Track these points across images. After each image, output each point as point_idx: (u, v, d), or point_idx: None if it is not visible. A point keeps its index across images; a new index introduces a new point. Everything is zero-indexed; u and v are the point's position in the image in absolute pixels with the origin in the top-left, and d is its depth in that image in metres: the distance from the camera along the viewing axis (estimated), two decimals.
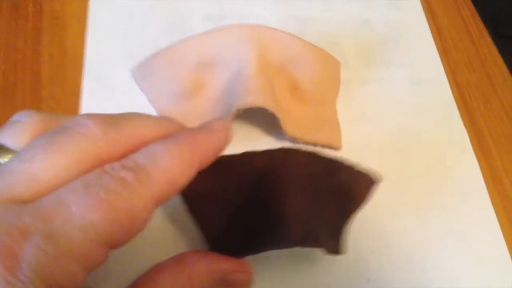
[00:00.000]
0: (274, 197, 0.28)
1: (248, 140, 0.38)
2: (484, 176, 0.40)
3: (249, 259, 0.28)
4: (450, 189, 0.39)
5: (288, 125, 0.37)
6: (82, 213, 0.17)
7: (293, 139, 0.38)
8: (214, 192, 0.27)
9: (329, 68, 0.41)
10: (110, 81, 0.40)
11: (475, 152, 0.41)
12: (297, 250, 0.32)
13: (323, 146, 0.39)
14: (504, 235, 0.37)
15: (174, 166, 0.20)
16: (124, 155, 0.20)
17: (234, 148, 0.37)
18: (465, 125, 0.43)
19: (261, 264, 0.32)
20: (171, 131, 0.23)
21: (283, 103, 0.38)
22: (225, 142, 0.23)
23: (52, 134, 0.20)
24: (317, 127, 0.39)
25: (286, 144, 0.38)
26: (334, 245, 0.29)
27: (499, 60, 0.47)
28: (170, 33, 0.43)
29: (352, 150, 0.39)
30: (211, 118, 0.32)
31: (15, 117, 0.23)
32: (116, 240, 0.18)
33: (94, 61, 0.41)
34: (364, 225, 0.36)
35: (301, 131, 0.38)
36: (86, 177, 0.19)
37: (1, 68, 0.40)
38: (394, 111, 0.42)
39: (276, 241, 0.27)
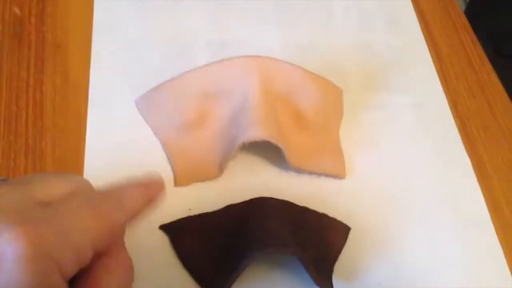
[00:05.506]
0: (254, 227, 0.33)
1: (252, 172, 0.38)
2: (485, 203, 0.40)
3: None
4: (454, 217, 0.39)
5: (292, 156, 0.37)
6: (87, 218, 0.23)
7: (297, 169, 0.38)
8: (200, 248, 0.34)
9: (331, 96, 0.41)
10: (114, 110, 0.40)
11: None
12: (305, 284, 0.33)
13: (327, 175, 0.39)
14: (508, 263, 0.37)
15: (136, 202, 0.27)
16: None
17: (239, 180, 0.38)
18: (466, 151, 0.43)
19: None
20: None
21: (287, 133, 0.38)
22: (162, 191, 0.30)
23: None
24: (321, 156, 0.39)
25: (291, 174, 0.38)
26: (323, 283, 0.32)
27: (499, 87, 0.48)
28: (173, 61, 0.43)
29: (355, 178, 0.39)
30: (214, 150, 0.36)
31: None
32: (98, 246, 0.24)
33: (98, 91, 0.41)
34: (370, 256, 0.36)
35: (305, 161, 0.38)
36: (83, 195, 0.24)
37: (3, 97, 0.40)
38: (396, 137, 0.43)
39: (258, 250, 0.30)
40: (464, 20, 0.53)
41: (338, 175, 0.39)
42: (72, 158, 0.37)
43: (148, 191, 0.28)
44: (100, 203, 0.24)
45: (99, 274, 0.24)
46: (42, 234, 0.20)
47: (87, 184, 0.27)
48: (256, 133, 0.34)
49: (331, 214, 0.36)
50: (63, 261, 0.21)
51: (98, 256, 0.24)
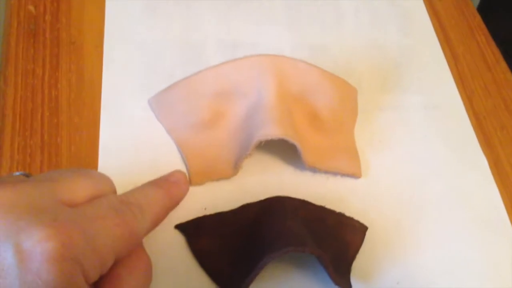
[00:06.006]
0: (271, 226, 0.33)
1: (267, 172, 0.38)
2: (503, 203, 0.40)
3: None
4: (472, 217, 0.39)
5: (308, 155, 0.36)
6: (113, 226, 0.23)
7: (313, 168, 0.37)
8: (217, 247, 0.33)
9: (346, 95, 0.41)
10: (127, 109, 0.40)
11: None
12: (324, 284, 0.33)
13: (343, 174, 0.38)
14: None
15: (158, 209, 0.27)
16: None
17: (255, 178, 0.37)
18: (483, 151, 0.43)
19: None
20: None
21: (302, 132, 0.38)
22: (186, 192, 0.30)
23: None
24: (336, 155, 0.39)
25: (306, 174, 0.38)
26: (342, 282, 0.31)
27: None
28: (184, 62, 0.43)
29: (371, 178, 0.39)
30: (228, 149, 0.34)
31: None
32: (120, 254, 0.24)
33: (111, 90, 0.40)
34: (388, 255, 0.35)
35: (321, 160, 0.38)
36: (110, 201, 0.24)
37: (19, 94, 0.40)
38: (411, 137, 0.42)
39: (276, 250, 0.30)
40: (478, 19, 0.53)
41: (354, 174, 0.39)
42: (87, 154, 0.37)
43: (171, 196, 0.28)
44: (125, 211, 0.24)
45: (120, 273, 0.24)
46: (71, 237, 0.21)
47: (110, 183, 0.27)
48: (272, 131, 0.34)
49: (347, 214, 0.36)
50: (88, 266, 0.21)
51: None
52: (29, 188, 0.23)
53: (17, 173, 0.28)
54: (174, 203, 0.29)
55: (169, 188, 0.29)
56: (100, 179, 0.27)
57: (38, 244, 0.20)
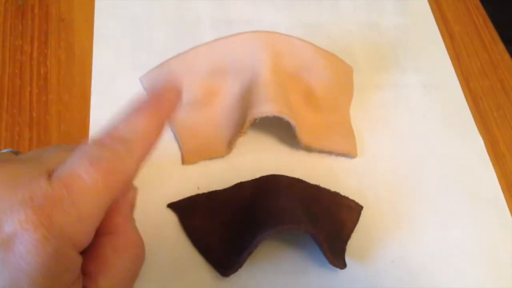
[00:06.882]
0: (266, 205, 0.32)
1: (262, 151, 0.37)
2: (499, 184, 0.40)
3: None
4: (467, 197, 0.38)
5: (303, 134, 0.36)
6: (92, 182, 0.21)
7: (308, 147, 0.37)
8: (210, 226, 0.33)
9: (342, 73, 0.40)
10: (118, 87, 0.39)
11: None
12: (318, 263, 0.32)
13: (338, 154, 0.38)
14: None
15: (149, 138, 0.24)
16: None
17: (249, 157, 0.37)
18: (479, 131, 0.42)
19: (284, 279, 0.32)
20: None
21: (298, 110, 0.37)
22: (178, 101, 0.26)
23: None
24: (331, 134, 0.38)
25: (301, 153, 0.38)
26: (336, 261, 0.31)
27: None
28: (177, 40, 0.42)
29: (366, 157, 0.39)
30: (222, 127, 0.33)
31: None
32: (111, 201, 0.22)
33: (101, 68, 0.39)
34: (384, 234, 0.35)
35: (316, 139, 0.37)
36: (86, 149, 0.22)
37: (7, 70, 0.39)
38: (408, 117, 0.42)
39: (270, 228, 0.29)
40: (475, 0, 0.52)
41: (350, 154, 0.38)
42: (77, 132, 0.37)
43: (160, 111, 0.25)
44: (105, 156, 0.22)
45: (106, 254, 0.24)
46: (51, 215, 0.20)
47: None
48: (267, 108, 0.33)
49: (342, 193, 0.36)
50: (75, 236, 0.21)
51: (108, 234, 0.24)
52: (16, 169, 0.22)
53: (5, 150, 0.27)
54: (164, 120, 0.25)
55: (156, 104, 0.25)
56: None
57: (20, 227, 0.19)
